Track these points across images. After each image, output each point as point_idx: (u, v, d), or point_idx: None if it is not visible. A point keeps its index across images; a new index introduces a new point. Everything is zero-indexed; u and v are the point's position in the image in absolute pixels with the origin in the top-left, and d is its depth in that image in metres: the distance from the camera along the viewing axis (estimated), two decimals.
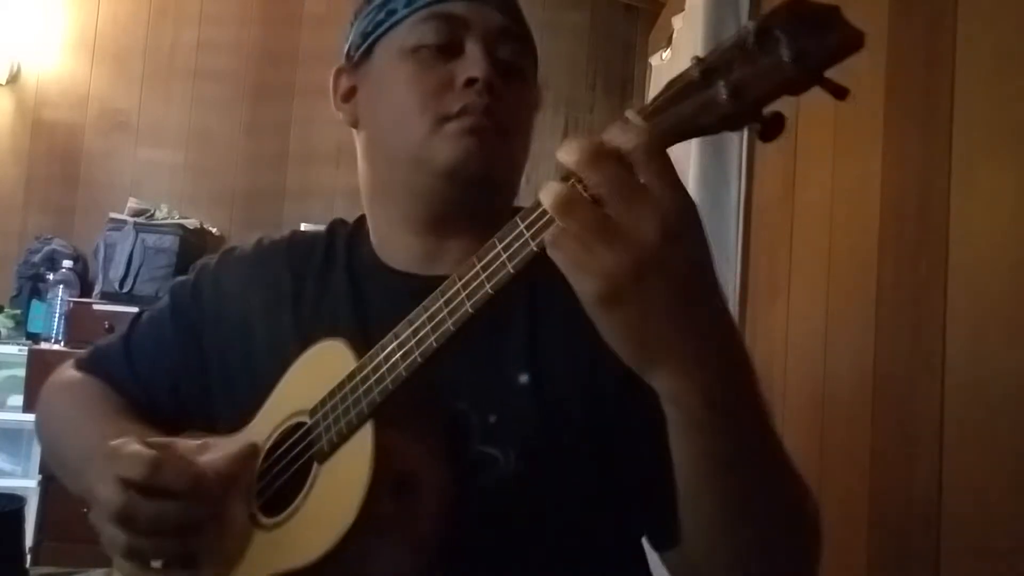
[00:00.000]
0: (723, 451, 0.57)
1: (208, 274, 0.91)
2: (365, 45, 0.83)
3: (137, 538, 0.65)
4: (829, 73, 0.49)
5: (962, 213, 1.03)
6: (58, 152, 3.11)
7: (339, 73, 0.87)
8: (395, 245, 0.84)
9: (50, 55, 3.12)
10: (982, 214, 1.01)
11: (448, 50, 0.78)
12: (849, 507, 1.28)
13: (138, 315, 0.95)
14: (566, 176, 0.53)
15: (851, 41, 0.48)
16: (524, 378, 0.75)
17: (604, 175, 0.50)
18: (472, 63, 0.77)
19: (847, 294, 1.39)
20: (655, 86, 2.78)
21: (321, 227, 0.93)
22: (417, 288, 0.76)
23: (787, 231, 1.68)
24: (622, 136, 0.51)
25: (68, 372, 0.94)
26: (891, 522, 1.16)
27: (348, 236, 0.89)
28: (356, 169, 0.87)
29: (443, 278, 0.75)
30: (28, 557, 1.05)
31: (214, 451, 0.71)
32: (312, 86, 3.16)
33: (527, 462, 0.73)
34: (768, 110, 0.50)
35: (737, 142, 1.92)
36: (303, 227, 2.12)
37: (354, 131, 0.88)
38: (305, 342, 0.75)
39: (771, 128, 0.51)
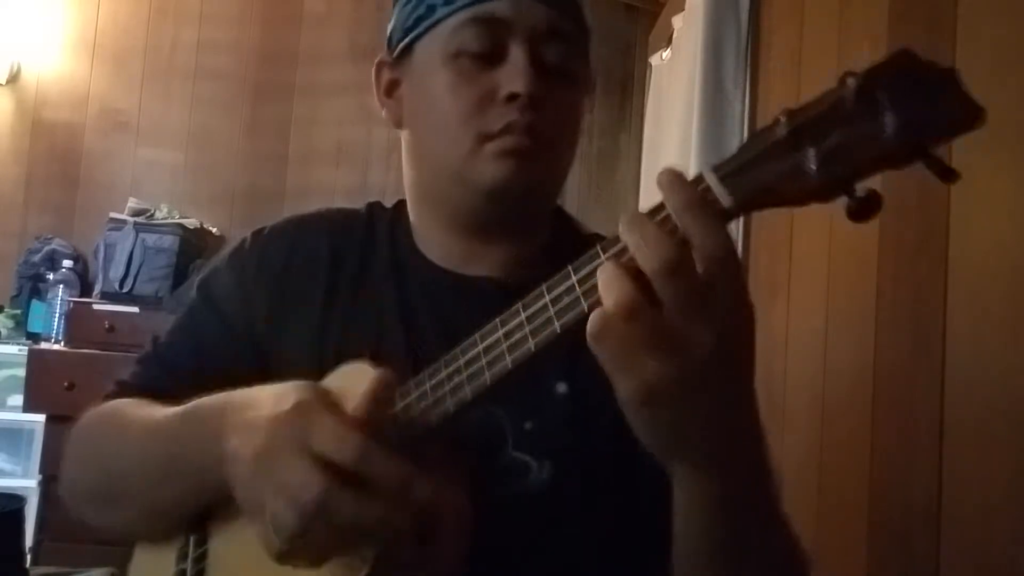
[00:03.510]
0: (728, 530, 0.56)
1: (244, 256, 0.85)
2: (406, 41, 0.79)
3: (320, 530, 0.54)
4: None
5: (962, 213, 1.03)
6: (58, 152, 3.10)
7: (381, 66, 0.83)
8: (435, 243, 0.82)
9: (50, 55, 3.11)
10: (982, 214, 1.00)
11: (491, 56, 0.73)
12: (849, 507, 1.28)
13: (155, 337, 0.87)
14: (616, 238, 0.49)
15: (968, 116, 0.41)
16: (562, 388, 0.74)
17: (679, 289, 0.46)
18: (514, 75, 0.72)
19: (847, 294, 1.39)
20: (655, 86, 2.78)
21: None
22: (459, 287, 0.78)
23: (787, 231, 1.68)
24: (700, 231, 0.45)
25: (92, 411, 0.81)
26: (891, 522, 1.16)
27: (390, 221, 0.86)
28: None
29: (482, 279, 0.75)
30: (28, 557, 1.05)
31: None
32: (312, 86, 3.16)
33: (559, 471, 0.72)
34: (862, 186, 0.44)
35: (738, 139, 1.92)
36: None
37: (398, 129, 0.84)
38: (345, 325, 0.73)
39: (864, 208, 0.44)
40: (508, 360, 0.54)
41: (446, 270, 0.81)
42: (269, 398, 0.61)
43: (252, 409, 0.61)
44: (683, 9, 2.25)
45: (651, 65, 2.87)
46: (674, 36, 2.43)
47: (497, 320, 0.55)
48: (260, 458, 0.57)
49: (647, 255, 0.46)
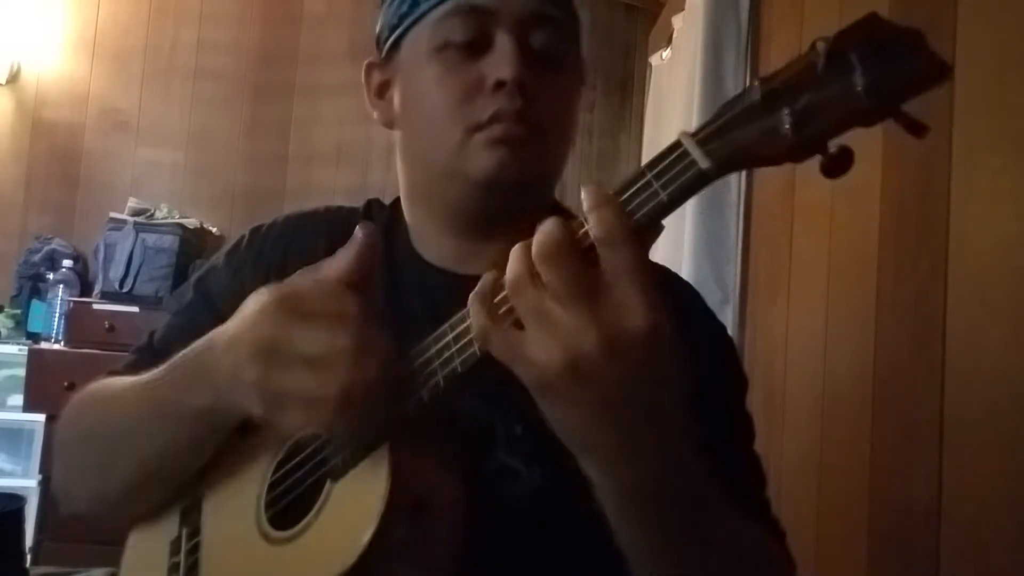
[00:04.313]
0: (650, 538, 0.56)
1: (240, 252, 0.86)
2: (392, 39, 0.79)
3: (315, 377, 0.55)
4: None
5: (962, 213, 1.03)
6: (58, 152, 3.11)
7: (370, 68, 0.83)
8: (431, 243, 0.82)
9: (50, 55, 3.12)
10: (982, 214, 1.01)
11: (476, 46, 0.72)
12: (849, 507, 1.28)
13: (151, 331, 0.88)
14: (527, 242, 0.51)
15: (934, 72, 0.42)
16: None
17: (558, 273, 0.48)
18: (500, 62, 0.71)
19: (847, 294, 1.39)
20: (655, 86, 2.78)
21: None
22: (455, 287, 0.77)
23: (787, 231, 1.68)
24: (595, 218, 0.48)
25: (75, 396, 0.84)
26: (891, 522, 1.16)
27: (387, 219, 0.86)
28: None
29: (479, 278, 0.75)
30: (28, 557, 1.05)
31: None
32: (312, 86, 3.16)
33: (549, 476, 0.71)
34: (835, 143, 0.45)
35: None
36: None
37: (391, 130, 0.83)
38: None
39: (837, 164, 0.45)
40: (476, 348, 0.55)
41: (442, 270, 0.80)
42: (246, 308, 0.61)
43: (233, 325, 0.61)
44: (683, 9, 2.25)
45: (651, 65, 2.87)
46: (674, 36, 2.43)
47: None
48: (261, 345, 0.57)
49: (537, 244, 0.50)
